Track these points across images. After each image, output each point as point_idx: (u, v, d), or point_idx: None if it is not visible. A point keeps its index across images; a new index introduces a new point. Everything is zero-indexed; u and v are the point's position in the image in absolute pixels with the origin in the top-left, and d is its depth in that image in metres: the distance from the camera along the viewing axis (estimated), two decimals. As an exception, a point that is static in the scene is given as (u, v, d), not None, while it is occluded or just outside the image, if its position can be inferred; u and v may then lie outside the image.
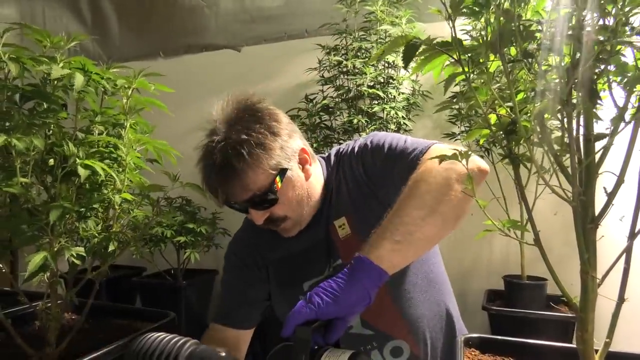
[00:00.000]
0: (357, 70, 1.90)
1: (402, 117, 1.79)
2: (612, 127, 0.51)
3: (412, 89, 1.98)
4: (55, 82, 0.80)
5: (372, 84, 1.89)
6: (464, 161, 0.73)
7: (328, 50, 2.00)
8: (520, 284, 1.77)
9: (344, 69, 1.94)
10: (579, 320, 0.59)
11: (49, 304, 0.82)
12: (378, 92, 1.82)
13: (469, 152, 0.63)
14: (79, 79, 0.77)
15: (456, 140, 1.90)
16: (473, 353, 0.76)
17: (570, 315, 1.61)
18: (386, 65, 1.93)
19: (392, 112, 1.75)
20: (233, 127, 0.91)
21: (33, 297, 0.87)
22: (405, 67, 0.56)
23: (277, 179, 0.92)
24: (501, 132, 0.63)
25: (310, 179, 0.99)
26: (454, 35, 0.52)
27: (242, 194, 0.92)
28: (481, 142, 0.66)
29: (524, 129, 0.58)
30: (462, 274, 2.10)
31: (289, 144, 0.95)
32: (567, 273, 1.88)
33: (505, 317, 1.65)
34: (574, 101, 0.51)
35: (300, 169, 0.98)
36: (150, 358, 0.61)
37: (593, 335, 0.60)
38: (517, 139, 0.62)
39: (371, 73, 1.85)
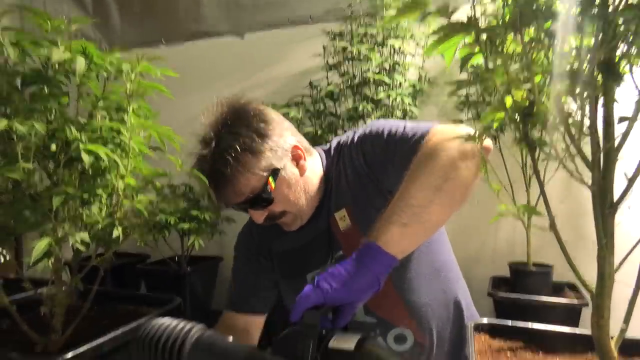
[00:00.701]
0: (362, 56, 1.87)
1: (409, 103, 1.77)
2: (634, 111, 0.50)
3: (418, 75, 1.96)
4: (57, 66, 0.78)
5: (377, 70, 1.86)
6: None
7: (333, 36, 1.97)
8: (526, 271, 1.76)
9: (349, 55, 1.91)
10: (594, 306, 0.57)
11: (54, 291, 0.81)
12: (384, 78, 1.80)
13: (474, 130, 0.62)
14: (80, 63, 0.75)
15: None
16: (483, 338, 0.75)
17: (576, 301, 1.60)
18: (392, 51, 1.90)
19: (398, 98, 1.72)
20: (221, 133, 0.91)
21: (38, 284, 0.86)
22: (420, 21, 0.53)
23: (270, 179, 0.92)
24: (518, 115, 0.61)
25: (306, 174, 0.99)
26: (473, 13, 0.50)
27: (236, 198, 0.93)
28: (495, 125, 0.64)
29: (543, 112, 0.56)
30: (467, 260, 2.10)
31: (280, 143, 0.95)
32: (575, 259, 1.88)
33: (511, 303, 1.64)
34: (595, 83, 0.49)
35: (294, 166, 0.97)
36: (156, 344, 0.60)
37: (609, 322, 0.58)
38: (535, 122, 0.60)
39: (377, 59, 1.82)
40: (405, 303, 0.97)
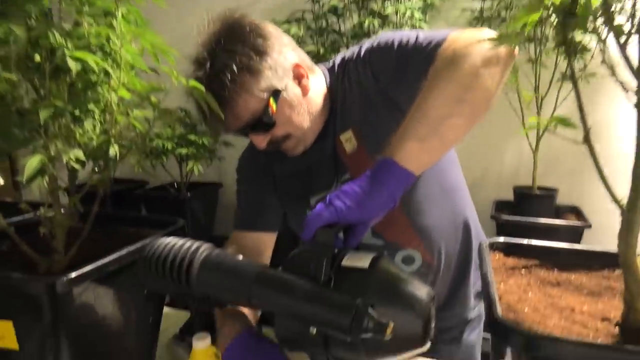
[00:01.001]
0: (367, -35, 1.72)
1: (419, 18, 1.65)
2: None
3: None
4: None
5: (384, -19, 1.72)
6: (486, 44, 0.65)
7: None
8: (530, 194, 1.75)
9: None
10: (624, 220, 0.54)
11: (52, 212, 0.78)
12: (391, -11, 1.67)
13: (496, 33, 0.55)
14: (58, -43, 0.66)
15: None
16: (497, 257, 0.74)
17: (579, 223, 1.61)
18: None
19: (408, 12, 1.60)
20: (215, 52, 0.83)
21: (36, 207, 0.83)
22: None
23: (271, 101, 0.85)
24: (558, 15, 0.54)
25: (309, 94, 0.91)
26: None
27: (236, 123, 0.87)
28: (528, 28, 0.57)
29: (586, 12, 0.49)
30: (471, 184, 2.14)
31: (280, 61, 0.87)
32: (579, 183, 1.88)
33: (514, 226, 1.65)
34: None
35: (296, 85, 0.90)
36: (163, 263, 0.57)
37: (638, 238, 0.55)
38: (576, 23, 0.53)
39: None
40: (413, 226, 0.94)
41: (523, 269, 0.73)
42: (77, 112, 0.74)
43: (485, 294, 0.58)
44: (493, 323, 0.50)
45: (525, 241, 0.74)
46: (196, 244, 0.58)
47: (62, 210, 0.78)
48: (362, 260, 0.57)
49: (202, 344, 0.85)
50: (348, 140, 0.92)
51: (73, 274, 0.63)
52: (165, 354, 1.00)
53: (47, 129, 0.70)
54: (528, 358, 0.48)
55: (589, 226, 1.60)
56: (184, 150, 2.15)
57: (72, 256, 0.76)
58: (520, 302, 0.63)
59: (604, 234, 1.53)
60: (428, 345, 0.56)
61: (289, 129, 0.90)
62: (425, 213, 0.95)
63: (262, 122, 0.86)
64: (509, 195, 1.90)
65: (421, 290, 0.57)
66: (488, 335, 1.38)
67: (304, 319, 0.53)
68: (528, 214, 1.68)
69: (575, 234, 1.61)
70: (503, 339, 0.49)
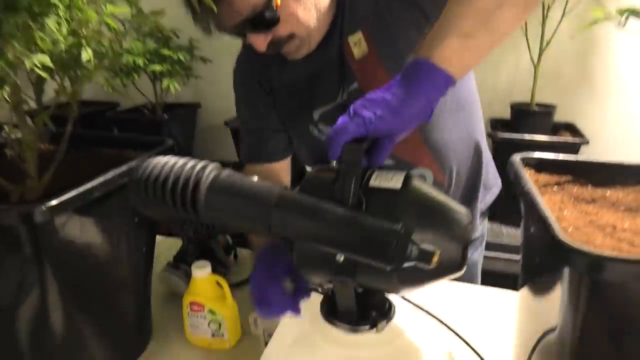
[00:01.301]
0: None
1: None
2: None
3: None
4: None
5: None
6: None
7: None
8: (529, 111, 1.69)
9: None
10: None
11: (20, 132, 0.66)
12: None
13: None
14: None
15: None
16: (529, 172, 0.68)
17: (577, 140, 1.57)
18: None
19: None
20: None
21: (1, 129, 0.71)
22: None
23: None
24: None
25: None
26: None
27: (233, 18, 0.74)
28: None
29: None
30: None
31: None
32: (576, 99, 1.82)
33: (511, 144, 1.60)
34: None
35: None
36: (163, 186, 0.48)
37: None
38: None
39: None
40: (426, 142, 0.87)
41: (556, 186, 0.67)
42: (36, 7, 0.60)
43: (530, 214, 0.52)
44: (550, 244, 0.45)
45: (559, 156, 0.68)
46: (201, 162, 0.49)
47: (30, 130, 0.66)
48: (393, 180, 0.49)
49: (202, 273, 0.79)
50: (357, 44, 0.81)
51: (53, 202, 0.53)
52: (159, 283, 0.94)
53: (1, 27, 0.56)
54: (591, 280, 0.43)
55: (587, 142, 1.57)
56: (157, 67, 1.96)
57: (47, 183, 0.66)
58: (558, 221, 0.58)
59: (602, 150, 1.50)
60: (464, 270, 0.50)
61: (294, 28, 0.78)
62: (440, 128, 0.87)
63: (264, 18, 0.73)
64: (503, 113, 1.84)
65: (460, 212, 0.50)
66: (489, 254, 1.36)
67: (334, 246, 0.46)
68: (525, 132, 1.63)
69: (572, 151, 1.58)
70: (563, 260, 0.43)
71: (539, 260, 0.55)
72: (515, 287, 0.71)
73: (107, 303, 0.71)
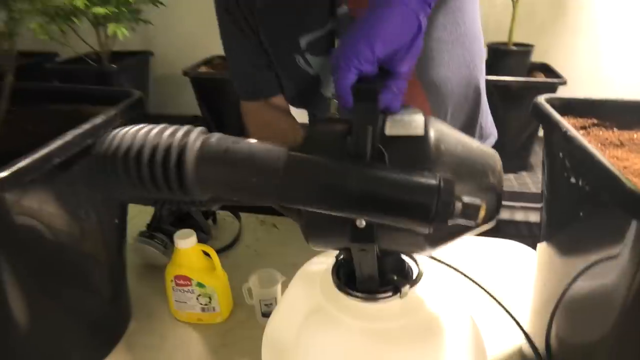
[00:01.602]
0: None
1: None
2: None
3: None
4: None
5: None
6: None
7: None
8: (506, 50, 1.63)
9: None
10: None
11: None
12: None
13: None
14: None
15: None
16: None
17: (556, 80, 1.54)
18: None
19: None
20: None
21: None
22: None
23: None
24: None
25: None
26: None
27: None
28: None
29: None
30: None
31: None
32: (552, 37, 1.77)
33: (487, 85, 1.55)
34: None
35: None
36: (137, 160, 0.37)
37: None
38: None
39: None
40: (420, 78, 0.79)
41: (581, 130, 0.61)
42: None
43: (573, 163, 0.45)
44: (618, 195, 0.39)
45: (584, 96, 0.62)
46: (183, 128, 0.38)
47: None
48: (412, 125, 0.41)
49: (187, 243, 0.70)
50: None
51: (3, 173, 0.42)
52: (133, 255, 0.84)
53: None
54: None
55: (564, 82, 1.54)
56: (100, 10, 1.73)
57: (-11, 148, 0.53)
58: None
59: (578, 89, 1.47)
60: (496, 219, 0.44)
61: None
62: (435, 61, 0.78)
63: None
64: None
65: (491, 155, 0.43)
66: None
67: (360, 212, 0.38)
68: (501, 73, 1.57)
69: (551, 90, 1.55)
70: (632, 212, 0.38)
71: (581, 214, 0.49)
72: (508, 232, 0.67)
73: (78, 285, 0.61)
